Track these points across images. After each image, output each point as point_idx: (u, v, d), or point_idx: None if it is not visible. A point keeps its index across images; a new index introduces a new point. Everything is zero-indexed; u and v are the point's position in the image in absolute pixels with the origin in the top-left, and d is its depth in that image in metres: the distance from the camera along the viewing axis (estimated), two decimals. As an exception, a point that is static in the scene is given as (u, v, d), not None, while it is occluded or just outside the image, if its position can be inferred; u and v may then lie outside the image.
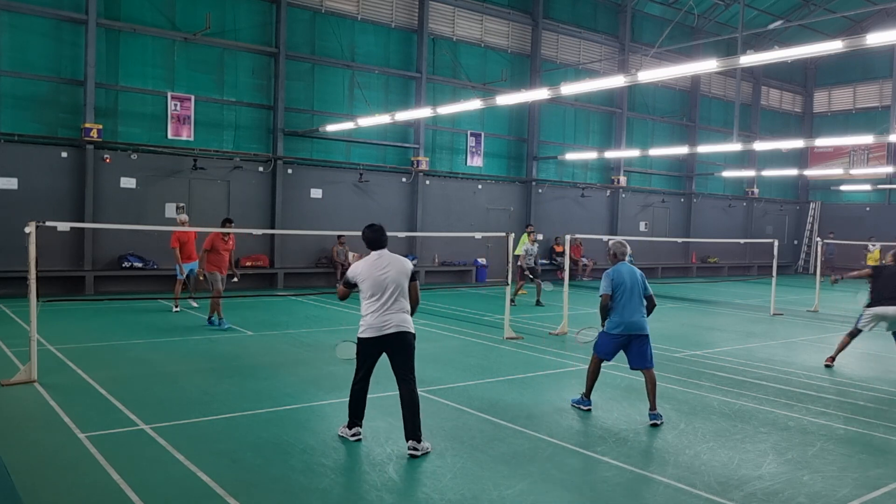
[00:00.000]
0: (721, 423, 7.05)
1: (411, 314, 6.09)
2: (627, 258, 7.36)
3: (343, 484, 5.22)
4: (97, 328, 11.83)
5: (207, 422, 6.66)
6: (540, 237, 17.27)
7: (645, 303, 7.16)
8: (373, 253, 6.08)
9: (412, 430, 5.82)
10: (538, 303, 16.86)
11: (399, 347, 5.93)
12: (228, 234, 12.07)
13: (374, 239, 6.11)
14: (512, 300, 16.33)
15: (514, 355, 10.41)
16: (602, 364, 7.42)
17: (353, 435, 6.18)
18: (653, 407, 7.02)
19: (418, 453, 5.77)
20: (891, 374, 9.90)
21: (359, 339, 6.00)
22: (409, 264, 6.14)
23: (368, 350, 5.99)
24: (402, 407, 5.92)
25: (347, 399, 6.21)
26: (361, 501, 4.92)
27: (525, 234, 17.41)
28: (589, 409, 7.35)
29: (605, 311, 7.15)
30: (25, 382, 7.77)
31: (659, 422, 6.93)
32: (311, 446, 6.00)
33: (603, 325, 7.22)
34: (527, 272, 16.96)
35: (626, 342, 7.13)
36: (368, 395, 6.23)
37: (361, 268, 6.01)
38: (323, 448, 5.97)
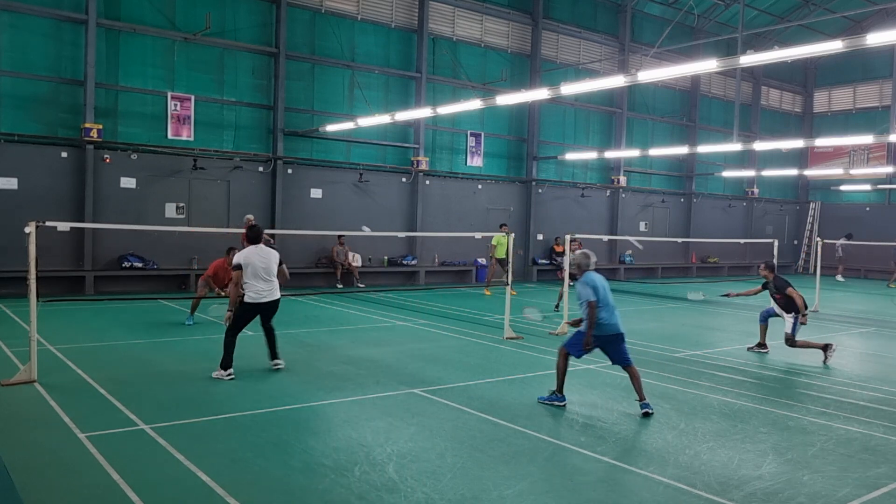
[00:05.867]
0: (721, 423, 7.05)
1: (280, 287, 8.69)
2: (592, 267, 7.56)
3: (343, 484, 5.21)
4: (97, 328, 11.82)
5: (207, 422, 6.66)
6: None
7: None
8: (252, 246, 8.49)
9: (273, 352, 8.80)
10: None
11: (272, 309, 8.65)
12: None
13: (257, 236, 8.59)
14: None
15: (514, 355, 10.40)
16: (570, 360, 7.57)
17: (228, 375, 8.21)
18: (641, 398, 7.26)
19: (281, 365, 8.71)
20: (891, 374, 9.90)
21: (245, 303, 8.34)
22: (277, 255, 8.68)
23: (251, 312, 8.46)
24: (265, 337, 8.79)
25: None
26: (361, 501, 4.92)
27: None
28: (563, 406, 7.43)
29: (595, 317, 7.23)
30: (25, 382, 7.77)
31: (650, 410, 7.16)
32: (311, 446, 6.01)
33: (590, 332, 7.25)
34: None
35: (602, 343, 7.36)
36: (370, 396, 7.36)
37: (247, 256, 8.36)
38: (323, 448, 5.97)
